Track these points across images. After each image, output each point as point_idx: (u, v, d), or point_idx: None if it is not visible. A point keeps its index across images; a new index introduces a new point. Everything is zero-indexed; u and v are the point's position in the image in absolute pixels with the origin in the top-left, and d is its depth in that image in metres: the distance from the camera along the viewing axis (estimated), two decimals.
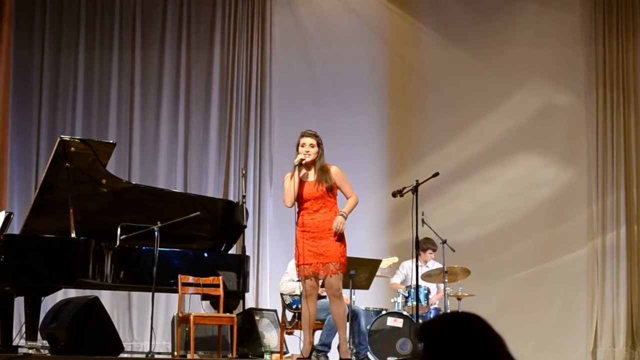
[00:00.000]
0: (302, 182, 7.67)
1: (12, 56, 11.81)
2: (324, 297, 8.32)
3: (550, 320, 11.77)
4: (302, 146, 7.71)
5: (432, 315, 9.69)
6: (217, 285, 8.50)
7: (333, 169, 7.70)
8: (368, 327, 9.38)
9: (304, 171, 7.70)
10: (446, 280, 9.85)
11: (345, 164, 8.20)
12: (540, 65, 12.25)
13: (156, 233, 8.21)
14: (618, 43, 12.06)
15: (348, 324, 8.68)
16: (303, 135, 7.77)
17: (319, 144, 7.73)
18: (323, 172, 7.65)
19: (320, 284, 7.77)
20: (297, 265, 7.69)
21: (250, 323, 9.74)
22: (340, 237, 7.61)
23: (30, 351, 7.82)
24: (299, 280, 8.97)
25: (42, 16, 12.23)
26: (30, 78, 12.13)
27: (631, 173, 11.91)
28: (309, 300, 7.68)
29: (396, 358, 9.42)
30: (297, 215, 7.73)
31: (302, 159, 7.67)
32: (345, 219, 7.58)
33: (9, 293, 8.06)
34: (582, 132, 12.10)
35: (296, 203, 7.71)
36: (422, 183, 8.34)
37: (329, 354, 8.87)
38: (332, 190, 7.64)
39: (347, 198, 7.73)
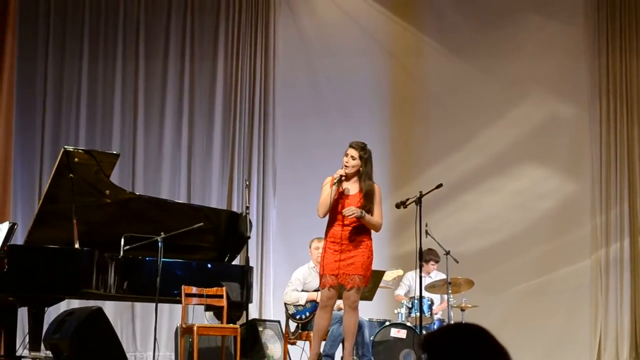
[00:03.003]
0: (341, 194, 7.54)
1: (16, 66, 11.83)
2: None
3: (554, 332, 11.75)
4: (345, 156, 7.59)
5: (435, 327, 9.68)
6: (221, 296, 8.49)
7: (377, 189, 7.57)
8: (371, 338, 9.38)
9: (344, 183, 7.58)
10: (450, 291, 9.85)
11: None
12: (544, 77, 12.26)
13: (160, 244, 8.20)
14: (621, 55, 12.08)
15: None
16: (350, 145, 7.62)
17: (362, 157, 7.55)
18: (369, 193, 7.51)
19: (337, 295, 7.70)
20: (320, 275, 7.60)
21: (254, 334, 9.73)
22: (368, 250, 7.56)
23: None
24: (303, 291, 8.99)
25: (46, 26, 12.24)
26: (34, 88, 12.15)
27: (635, 184, 11.91)
28: (325, 311, 7.60)
29: None
30: (327, 225, 7.62)
31: (342, 175, 7.52)
32: (360, 216, 7.41)
33: (12, 304, 8.06)
34: (585, 143, 12.10)
35: (331, 212, 7.57)
36: (425, 194, 8.32)
37: None
38: (369, 212, 7.55)
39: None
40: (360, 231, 7.52)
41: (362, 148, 7.60)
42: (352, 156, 7.56)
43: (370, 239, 7.59)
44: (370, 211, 7.52)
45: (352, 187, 7.58)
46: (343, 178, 7.53)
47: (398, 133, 12.46)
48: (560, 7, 12.36)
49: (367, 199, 7.50)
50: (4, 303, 8.02)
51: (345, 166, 7.55)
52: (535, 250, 11.96)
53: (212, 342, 9.43)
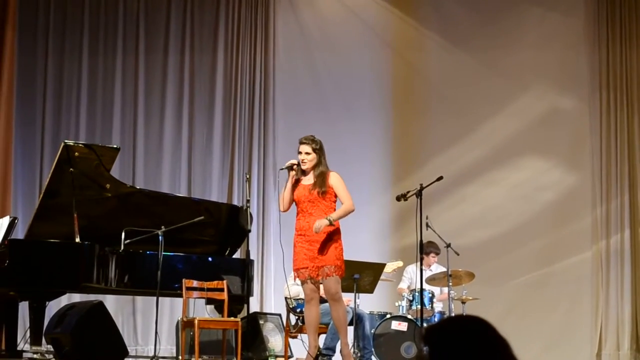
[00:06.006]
0: (299, 185, 7.69)
1: (16, 61, 11.83)
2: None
3: (555, 324, 11.76)
4: (299, 154, 7.72)
5: (436, 319, 9.68)
6: (222, 290, 8.49)
7: (331, 174, 7.67)
8: (372, 331, 9.38)
9: (302, 175, 7.71)
10: (450, 283, 9.85)
11: (349, 168, 8.20)
12: (544, 69, 12.25)
13: (160, 237, 8.21)
14: (621, 46, 12.07)
15: (352, 327, 8.69)
16: (300, 142, 7.76)
17: (316, 150, 7.68)
18: (320, 176, 7.63)
19: (320, 287, 7.75)
20: (295, 270, 7.70)
21: (255, 327, 9.74)
22: (335, 240, 7.59)
23: (35, 356, 7.82)
24: None
25: (45, 21, 12.24)
26: (34, 83, 12.15)
27: (635, 176, 11.91)
28: (311, 304, 7.68)
29: None
30: (295, 218, 7.75)
31: (293, 164, 7.69)
32: (331, 223, 7.49)
33: (13, 298, 8.07)
34: (586, 135, 12.10)
35: (296, 206, 7.72)
36: (426, 187, 8.34)
37: (333, 358, 8.88)
38: (325, 194, 7.60)
39: (342, 204, 7.70)
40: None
41: (313, 140, 7.74)
42: (306, 152, 7.70)
43: (338, 230, 7.62)
44: (328, 194, 7.60)
45: (308, 177, 7.73)
46: (294, 168, 7.68)
47: (399, 126, 12.45)
48: None
49: (319, 184, 7.60)
50: (4, 298, 8.04)
51: (303, 163, 7.65)
52: (536, 242, 11.96)
53: (213, 336, 9.44)
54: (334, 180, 7.65)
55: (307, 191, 7.62)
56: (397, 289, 10.58)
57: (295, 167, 7.72)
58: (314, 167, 7.69)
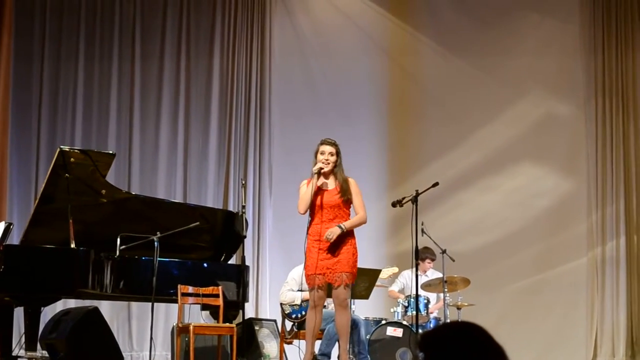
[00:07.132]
0: (319, 190, 7.66)
1: (11, 67, 11.81)
2: (324, 307, 8.31)
3: (550, 330, 11.76)
4: (322, 154, 7.69)
5: (431, 325, 9.68)
6: (217, 295, 8.49)
7: (351, 181, 7.69)
8: (368, 337, 9.37)
9: (322, 179, 7.69)
10: (446, 289, 9.85)
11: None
12: (540, 75, 12.26)
13: (156, 243, 8.19)
14: (617, 52, 12.09)
15: None
16: (323, 143, 7.75)
17: (338, 153, 7.71)
18: (345, 183, 7.64)
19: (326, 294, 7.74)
20: (307, 275, 7.65)
21: (250, 333, 9.73)
22: (352, 247, 7.60)
23: None
24: (299, 290, 8.99)
25: (41, 27, 12.22)
26: (30, 88, 12.12)
27: (631, 182, 11.92)
28: (315, 311, 7.65)
29: None
30: (309, 223, 7.71)
31: (321, 168, 7.65)
32: (342, 231, 7.53)
33: (8, 303, 8.05)
34: (581, 141, 12.11)
35: (312, 210, 7.69)
36: (421, 193, 8.34)
37: None
38: (348, 202, 7.62)
39: (356, 213, 7.71)
40: None
41: (336, 144, 7.78)
42: (330, 153, 7.70)
43: (354, 236, 7.67)
44: (349, 201, 7.63)
45: (329, 182, 7.71)
46: (322, 171, 7.65)
47: (395, 131, 12.46)
48: (556, 5, 12.37)
49: (344, 192, 7.62)
50: (0, 303, 8.01)
51: (328, 164, 7.62)
52: (532, 248, 11.97)
53: (209, 342, 9.43)
54: (354, 188, 7.70)
55: (331, 197, 7.62)
56: (388, 292, 10.57)
57: (322, 170, 7.71)
58: (332, 171, 7.69)
